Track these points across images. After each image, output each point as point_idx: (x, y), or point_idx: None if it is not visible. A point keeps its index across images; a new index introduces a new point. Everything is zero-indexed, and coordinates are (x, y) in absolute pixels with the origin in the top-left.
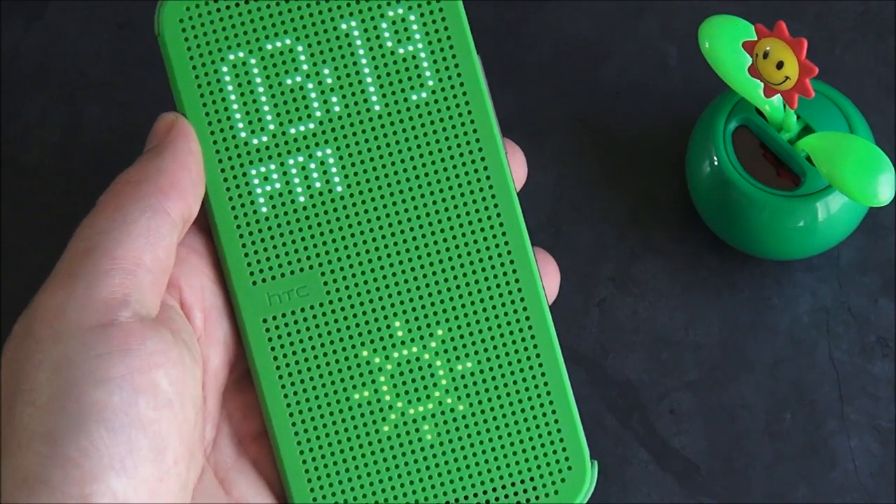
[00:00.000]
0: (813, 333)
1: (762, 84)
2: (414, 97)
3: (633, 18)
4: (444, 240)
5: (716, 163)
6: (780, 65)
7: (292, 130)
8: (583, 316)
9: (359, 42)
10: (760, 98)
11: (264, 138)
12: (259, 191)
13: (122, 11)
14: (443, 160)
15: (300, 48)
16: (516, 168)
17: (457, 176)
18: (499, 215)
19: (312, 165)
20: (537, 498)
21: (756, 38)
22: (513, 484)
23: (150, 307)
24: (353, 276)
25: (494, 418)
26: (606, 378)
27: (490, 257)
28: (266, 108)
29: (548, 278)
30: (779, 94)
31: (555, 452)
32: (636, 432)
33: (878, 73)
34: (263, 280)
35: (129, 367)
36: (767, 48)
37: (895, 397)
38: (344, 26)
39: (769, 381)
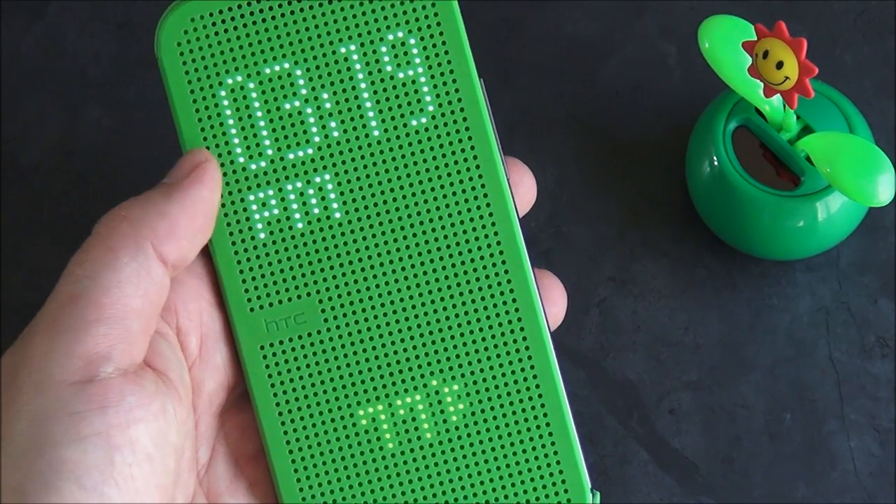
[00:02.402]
0: (813, 333)
1: (762, 84)
2: (414, 122)
3: (633, 18)
4: (444, 268)
5: (716, 163)
6: (779, 65)
7: (290, 156)
8: (583, 316)
9: (358, 66)
10: (760, 98)
11: (262, 164)
12: (257, 217)
13: (122, 11)
14: (442, 186)
15: (299, 72)
16: (524, 191)
17: (456, 203)
18: (499, 243)
19: (311, 191)
20: None
21: (756, 38)
22: None
23: (137, 354)
24: (351, 303)
25: (493, 449)
26: (606, 378)
27: (490, 286)
28: (264, 132)
29: (552, 303)
30: (779, 94)
31: (554, 484)
32: (636, 432)
33: (878, 73)
34: (261, 307)
35: (106, 424)
36: (767, 48)
37: (895, 397)
38: (343, 50)
39: (769, 381)
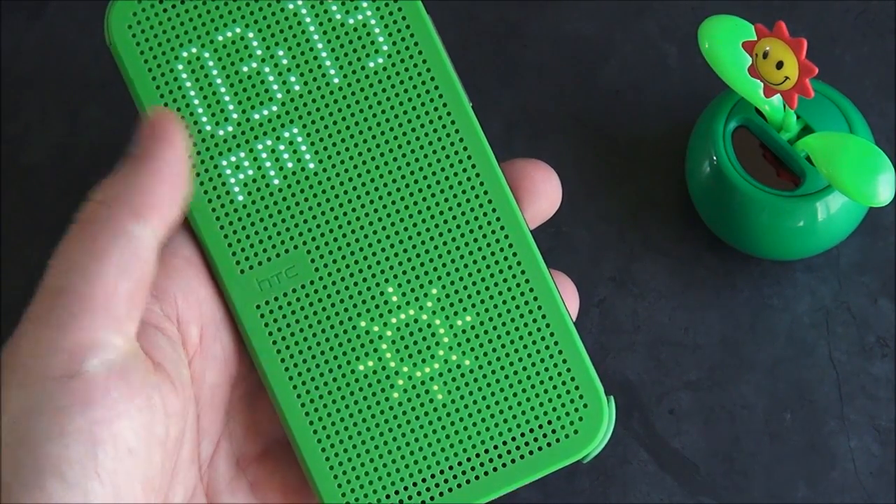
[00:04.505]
0: (813, 333)
1: (762, 84)
2: (371, 64)
3: (633, 18)
4: (424, 199)
5: (716, 163)
6: (779, 65)
7: (256, 116)
8: (583, 316)
9: (308, 19)
10: (760, 98)
11: (230, 128)
12: (233, 180)
13: None
14: (409, 121)
15: (251, 34)
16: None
17: (426, 134)
18: (474, 166)
19: (282, 147)
20: (558, 440)
21: (756, 38)
22: (531, 430)
23: (124, 340)
24: (339, 249)
25: (502, 367)
26: (606, 378)
27: (468, 199)
28: (227, 97)
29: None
30: (779, 94)
31: (568, 392)
32: (636, 432)
33: (878, 73)
34: (251, 267)
35: (89, 419)
36: (767, 48)
37: (895, 397)
38: (291, 6)
39: (769, 381)
